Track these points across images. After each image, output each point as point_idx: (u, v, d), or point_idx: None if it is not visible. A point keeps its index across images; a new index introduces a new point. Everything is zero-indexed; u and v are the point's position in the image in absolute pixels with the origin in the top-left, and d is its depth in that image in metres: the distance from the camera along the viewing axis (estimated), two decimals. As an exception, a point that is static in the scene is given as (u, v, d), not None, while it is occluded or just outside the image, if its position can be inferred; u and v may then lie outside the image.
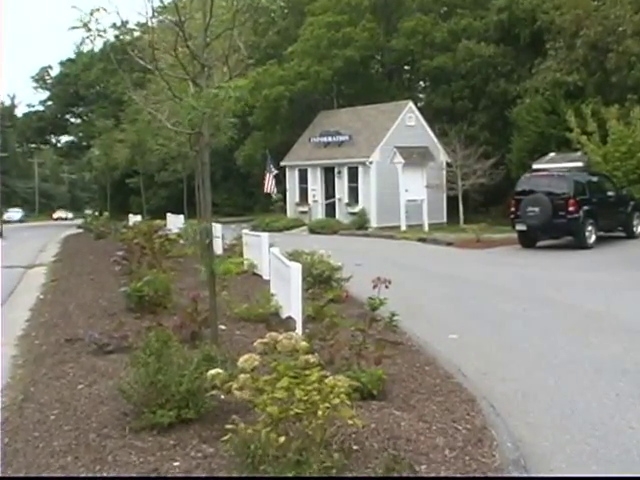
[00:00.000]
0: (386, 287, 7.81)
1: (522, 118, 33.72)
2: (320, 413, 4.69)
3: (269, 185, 37.62)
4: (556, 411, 6.71)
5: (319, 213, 37.78)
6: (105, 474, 5.09)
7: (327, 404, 4.72)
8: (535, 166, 24.54)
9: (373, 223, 34.79)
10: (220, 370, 5.33)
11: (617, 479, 5.28)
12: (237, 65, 7.58)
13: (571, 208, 21.36)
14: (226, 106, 7.47)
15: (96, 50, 54.95)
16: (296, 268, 9.04)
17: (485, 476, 5.10)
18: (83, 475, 5.11)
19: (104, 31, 7.37)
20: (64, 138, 69.27)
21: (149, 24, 7.72)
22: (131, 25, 40.84)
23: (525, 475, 5.27)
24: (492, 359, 8.78)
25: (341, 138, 37.42)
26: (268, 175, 37.46)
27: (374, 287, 7.91)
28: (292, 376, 4.82)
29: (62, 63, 64.38)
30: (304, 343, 5.14)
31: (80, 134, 63.00)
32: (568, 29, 32.16)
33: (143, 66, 7.61)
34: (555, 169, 23.04)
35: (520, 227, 22.30)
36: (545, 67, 33.44)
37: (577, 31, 31.58)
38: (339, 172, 37.04)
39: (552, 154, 25.88)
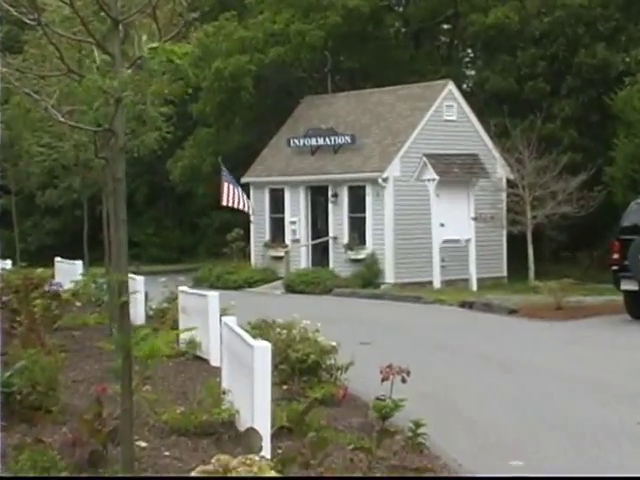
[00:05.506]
0: (403, 381, 7.84)
1: (633, 107, 33.86)
2: None
3: (233, 197, 36.79)
4: None
5: (302, 260, 37.81)
6: None
7: None
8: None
9: (389, 277, 34.82)
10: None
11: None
12: (172, 21, 7.64)
13: None
14: (155, 88, 7.51)
15: None
16: (263, 349, 9.06)
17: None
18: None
19: None
20: None
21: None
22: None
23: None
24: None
25: (338, 140, 37.59)
26: (227, 184, 36.71)
27: (383, 380, 7.94)
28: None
29: None
30: (273, 473, 5.14)
31: None
32: None
33: (17, 18, 7.64)
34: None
35: (628, 286, 22.34)
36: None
37: None
38: (334, 195, 37.14)
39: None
